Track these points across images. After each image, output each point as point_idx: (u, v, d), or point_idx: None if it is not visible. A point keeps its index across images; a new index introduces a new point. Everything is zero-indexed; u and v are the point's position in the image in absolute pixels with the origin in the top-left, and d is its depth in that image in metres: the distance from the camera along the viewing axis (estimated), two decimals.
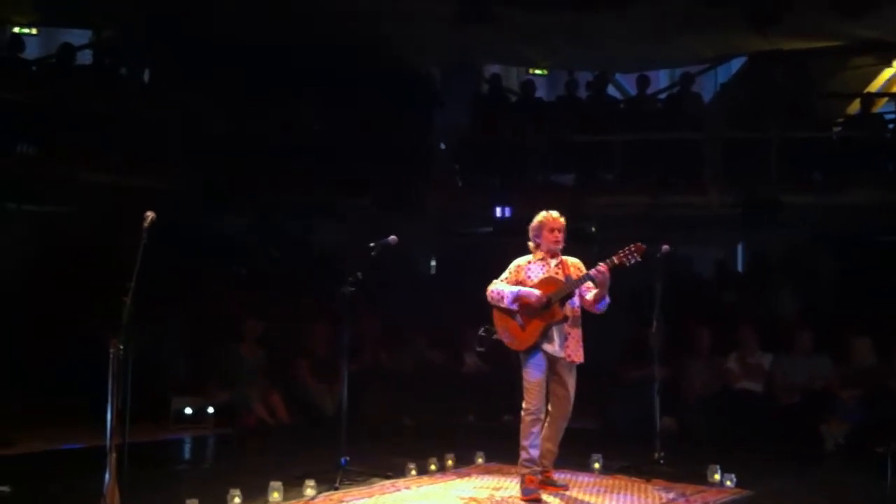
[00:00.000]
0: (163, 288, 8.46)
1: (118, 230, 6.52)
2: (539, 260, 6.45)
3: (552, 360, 6.31)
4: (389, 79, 12.19)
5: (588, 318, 6.38)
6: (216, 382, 9.58)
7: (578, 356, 6.34)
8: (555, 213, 6.47)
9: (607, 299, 6.29)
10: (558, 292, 6.27)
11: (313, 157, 11.81)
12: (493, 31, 11.02)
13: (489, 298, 6.44)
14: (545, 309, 6.25)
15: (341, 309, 6.94)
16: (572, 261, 6.48)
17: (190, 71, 11.39)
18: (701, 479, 6.81)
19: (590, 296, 6.31)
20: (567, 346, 6.30)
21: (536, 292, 6.27)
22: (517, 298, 6.32)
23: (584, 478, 6.89)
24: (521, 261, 6.52)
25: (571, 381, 6.36)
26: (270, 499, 6.05)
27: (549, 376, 6.32)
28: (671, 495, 6.45)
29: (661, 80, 15.10)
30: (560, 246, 6.43)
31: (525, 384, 6.31)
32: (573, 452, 6.83)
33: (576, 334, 6.35)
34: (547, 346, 6.30)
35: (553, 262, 6.43)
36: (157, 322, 9.14)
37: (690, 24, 11.22)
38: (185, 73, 11.40)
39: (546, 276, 6.36)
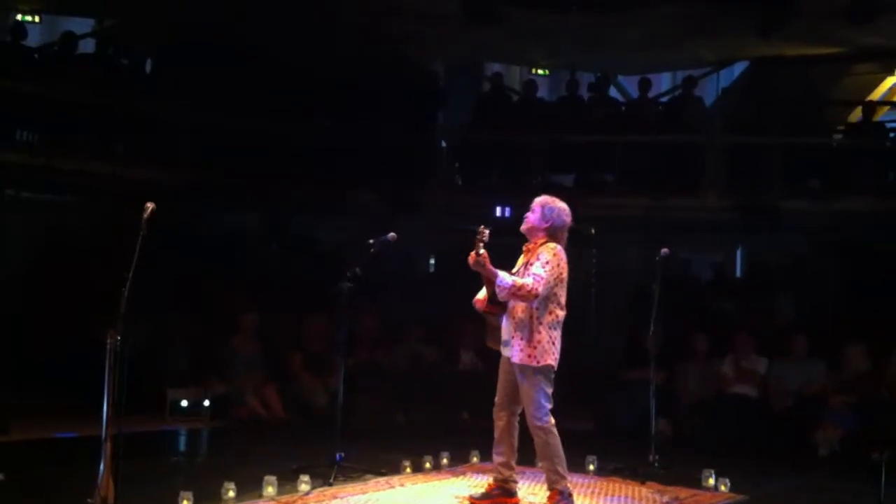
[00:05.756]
0: (162, 280, 8.45)
1: (118, 221, 6.51)
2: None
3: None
4: (395, 78, 12.19)
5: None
6: (212, 375, 9.58)
7: (518, 356, 5.78)
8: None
9: (498, 290, 5.69)
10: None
11: (318, 155, 11.80)
12: (498, 30, 11.02)
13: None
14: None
15: (339, 304, 6.93)
16: (544, 247, 5.81)
17: (193, 65, 11.36)
18: (695, 482, 6.81)
19: None
20: (511, 346, 5.84)
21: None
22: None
23: (578, 479, 6.86)
24: None
25: (522, 386, 5.83)
26: (265, 493, 6.04)
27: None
28: (665, 499, 6.45)
29: (663, 83, 15.11)
30: (523, 227, 5.96)
31: None
32: (568, 453, 6.82)
33: (513, 330, 5.82)
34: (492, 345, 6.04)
35: (528, 247, 5.99)
36: (156, 314, 9.13)
37: (694, 29, 11.23)
38: (188, 67, 11.36)
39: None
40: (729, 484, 6.72)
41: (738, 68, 13.85)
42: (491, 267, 5.70)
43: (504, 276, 5.69)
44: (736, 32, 11.16)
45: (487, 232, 5.68)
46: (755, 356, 9.37)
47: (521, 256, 5.98)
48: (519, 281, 5.68)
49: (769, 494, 6.85)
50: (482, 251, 5.66)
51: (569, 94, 13.00)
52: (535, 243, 5.89)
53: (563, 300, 5.84)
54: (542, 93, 13.66)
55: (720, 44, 12.11)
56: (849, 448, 8.34)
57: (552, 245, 5.82)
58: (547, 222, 5.88)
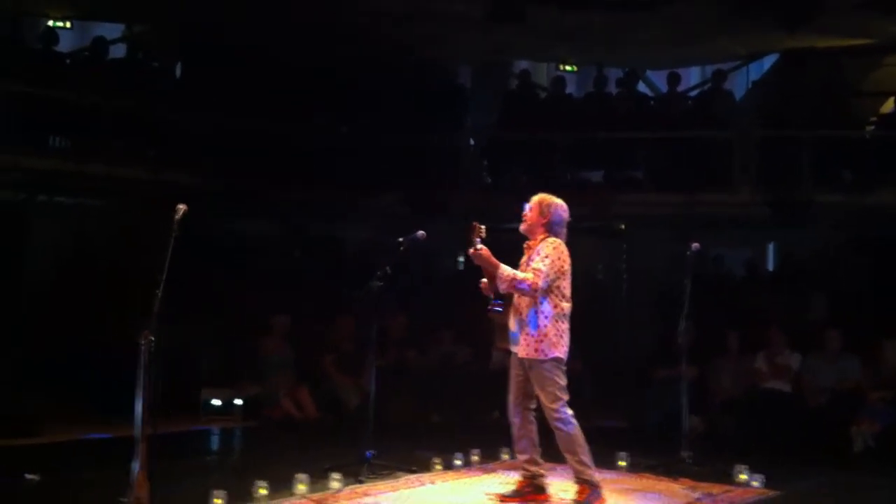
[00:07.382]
0: (194, 282, 8.51)
1: (149, 225, 6.56)
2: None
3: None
4: (419, 80, 12.19)
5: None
6: (245, 376, 9.64)
7: (526, 350, 5.89)
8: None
9: (499, 282, 5.81)
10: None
11: (342, 157, 11.84)
12: (524, 29, 10.99)
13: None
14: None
15: (369, 303, 6.96)
16: (543, 243, 5.90)
17: (219, 70, 11.43)
18: (728, 479, 6.76)
19: None
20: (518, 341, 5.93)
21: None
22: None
23: (610, 476, 6.84)
24: None
25: (534, 381, 5.92)
26: (296, 491, 6.09)
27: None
28: (698, 495, 6.42)
29: (691, 77, 15.00)
30: (522, 227, 6.03)
31: None
32: (601, 450, 6.80)
33: (519, 325, 5.92)
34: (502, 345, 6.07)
35: (529, 244, 6.05)
36: (188, 315, 9.20)
37: (722, 22, 11.13)
38: (215, 71, 11.42)
39: None
40: (763, 480, 6.67)
41: (769, 61, 13.72)
42: (492, 259, 5.82)
43: (505, 268, 5.81)
44: (764, 26, 11.04)
45: (483, 228, 5.80)
46: (788, 351, 9.28)
47: (524, 255, 6.04)
48: (520, 275, 5.80)
49: (803, 491, 6.79)
50: (480, 246, 5.78)
51: (596, 91, 12.94)
52: (536, 240, 5.99)
53: (567, 292, 5.92)
54: (570, 89, 13.60)
55: (749, 37, 11.99)
56: (884, 444, 8.23)
57: (552, 239, 5.92)
58: (545, 218, 5.98)
